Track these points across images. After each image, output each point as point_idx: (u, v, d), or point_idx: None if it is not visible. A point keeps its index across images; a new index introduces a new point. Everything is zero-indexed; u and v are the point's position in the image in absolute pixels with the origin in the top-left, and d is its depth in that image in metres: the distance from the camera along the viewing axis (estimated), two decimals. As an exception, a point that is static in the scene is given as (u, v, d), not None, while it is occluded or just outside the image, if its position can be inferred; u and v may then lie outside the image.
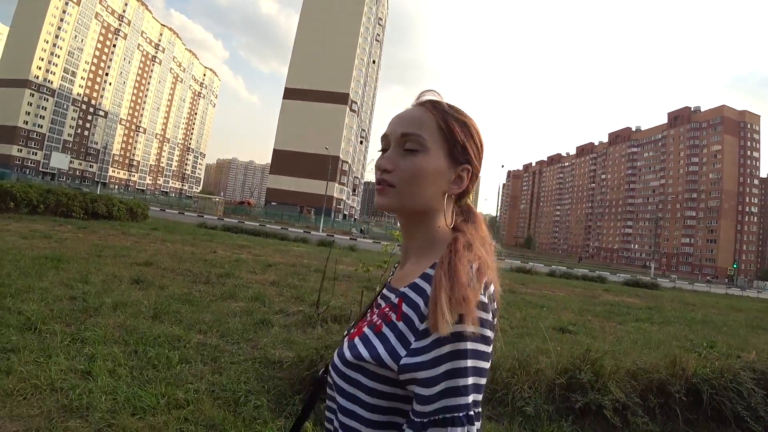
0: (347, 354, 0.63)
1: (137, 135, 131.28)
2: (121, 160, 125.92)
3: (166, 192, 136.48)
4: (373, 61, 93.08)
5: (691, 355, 3.51)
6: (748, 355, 3.94)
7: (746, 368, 3.27)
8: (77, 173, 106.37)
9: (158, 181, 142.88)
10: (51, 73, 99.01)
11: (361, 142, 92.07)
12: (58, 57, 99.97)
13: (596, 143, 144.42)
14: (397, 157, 0.66)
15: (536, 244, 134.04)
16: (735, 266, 70.61)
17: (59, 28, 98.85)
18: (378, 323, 0.64)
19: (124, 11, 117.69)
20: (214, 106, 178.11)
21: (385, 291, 0.75)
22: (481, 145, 0.71)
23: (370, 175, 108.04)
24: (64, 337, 3.00)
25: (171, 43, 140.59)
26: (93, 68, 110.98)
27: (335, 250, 17.12)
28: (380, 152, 0.70)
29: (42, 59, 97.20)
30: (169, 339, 3.19)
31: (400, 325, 0.61)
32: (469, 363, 0.57)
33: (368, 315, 0.74)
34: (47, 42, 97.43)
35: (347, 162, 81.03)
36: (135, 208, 16.31)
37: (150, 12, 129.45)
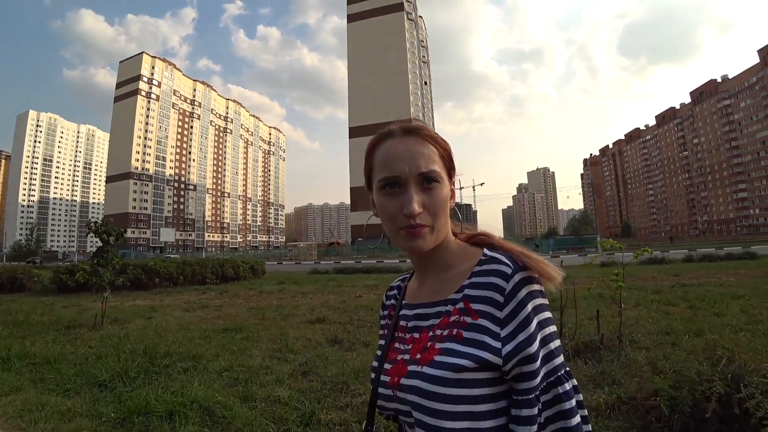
0: (440, 373, 0.61)
1: (223, 200, 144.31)
2: (213, 225, 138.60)
3: (256, 246, 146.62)
4: (425, 83, 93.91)
5: None
6: None
7: None
8: (179, 243, 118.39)
9: (247, 238, 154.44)
10: (146, 162, 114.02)
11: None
12: (150, 147, 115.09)
13: (677, 107, 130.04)
14: (419, 196, 0.66)
15: (635, 231, 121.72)
16: None
17: (147, 123, 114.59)
18: (455, 332, 0.64)
19: (194, 96, 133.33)
20: (283, 160, 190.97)
21: (410, 311, 0.76)
22: None
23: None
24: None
25: (237, 113, 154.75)
26: (178, 150, 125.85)
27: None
28: (388, 191, 0.68)
29: (138, 152, 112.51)
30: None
31: (481, 321, 0.62)
32: (552, 328, 0.64)
33: (398, 341, 0.75)
34: (139, 137, 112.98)
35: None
36: (255, 266, 17.07)
37: (215, 91, 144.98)
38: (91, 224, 6.85)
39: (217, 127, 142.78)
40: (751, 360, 2.73)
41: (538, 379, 0.60)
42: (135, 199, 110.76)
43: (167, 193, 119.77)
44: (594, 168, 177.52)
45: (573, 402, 0.61)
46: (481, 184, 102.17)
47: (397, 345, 0.74)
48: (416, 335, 0.71)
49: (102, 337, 5.72)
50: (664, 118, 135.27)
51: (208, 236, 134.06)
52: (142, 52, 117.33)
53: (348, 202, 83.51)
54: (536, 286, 0.64)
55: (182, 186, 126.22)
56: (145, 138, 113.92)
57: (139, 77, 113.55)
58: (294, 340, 5.37)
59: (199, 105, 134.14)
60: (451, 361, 0.61)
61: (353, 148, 78.55)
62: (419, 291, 0.76)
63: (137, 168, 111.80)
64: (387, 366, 0.72)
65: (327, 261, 38.25)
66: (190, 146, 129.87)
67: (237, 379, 3.67)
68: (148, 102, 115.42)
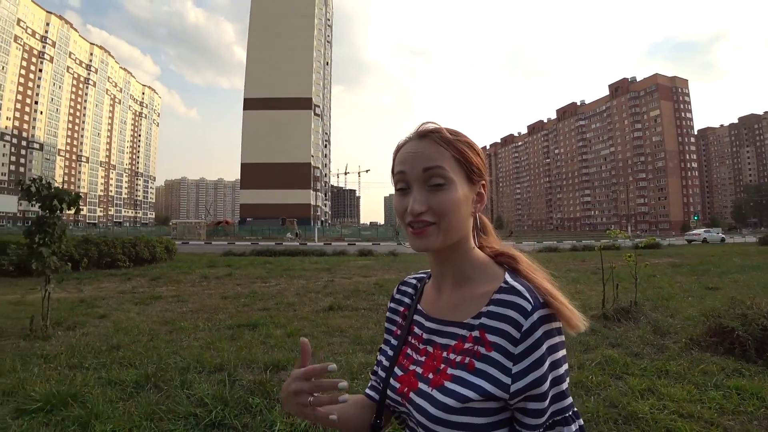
0: (448, 401, 0.62)
1: (79, 165, 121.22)
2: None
3: (120, 222, 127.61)
4: (327, 63, 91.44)
5: None
6: None
7: None
8: (18, 215, 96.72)
9: (109, 212, 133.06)
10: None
11: (326, 146, 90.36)
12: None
13: (545, 120, 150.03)
14: (425, 196, 0.66)
15: (506, 224, 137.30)
16: (696, 218, 75.97)
17: None
18: (467, 361, 0.64)
19: (46, 32, 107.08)
20: (157, 126, 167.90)
21: (425, 322, 0.74)
22: (483, 158, 0.73)
23: (335, 180, 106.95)
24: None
25: (104, 63, 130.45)
26: (19, 97, 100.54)
27: (379, 258, 16.21)
28: (399, 191, 0.69)
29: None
30: None
31: (494, 355, 0.62)
32: (564, 368, 0.63)
33: (411, 347, 0.75)
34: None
35: (318, 167, 79.14)
36: (169, 246, 14.62)
37: (76, 30, 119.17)
38: (29, 184, 4.84)
39: (75, 75, 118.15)
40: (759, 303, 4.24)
41: (545, 416, 0.61)
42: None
43: (1, 150, 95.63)
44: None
45: None
46: (367, 171, 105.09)
47: (409, 351, 0.74)
48: (430, 349, 0.71)
49: (72, 354, 3.85)
50: (534, 128, 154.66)
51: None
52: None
53: (229, 178, 77.38)
54: (554, 324, 0.63)
55: (23, 143, 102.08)
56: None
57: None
58: (368, 330, 4.55)
59: (53, 45, 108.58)
60: (459, 390, 0.62)
61: (248, 121, 72.31)
62: (436, 302, 0.75)
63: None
64: (398, 371, 0.73)
65: (219, 241, 35.65)
66: (37, 94, 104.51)
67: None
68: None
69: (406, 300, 0.83)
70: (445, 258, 0.71)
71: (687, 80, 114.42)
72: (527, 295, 0.63)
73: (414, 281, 0.85)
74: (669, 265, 13.01)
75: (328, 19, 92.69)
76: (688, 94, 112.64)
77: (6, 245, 9.82)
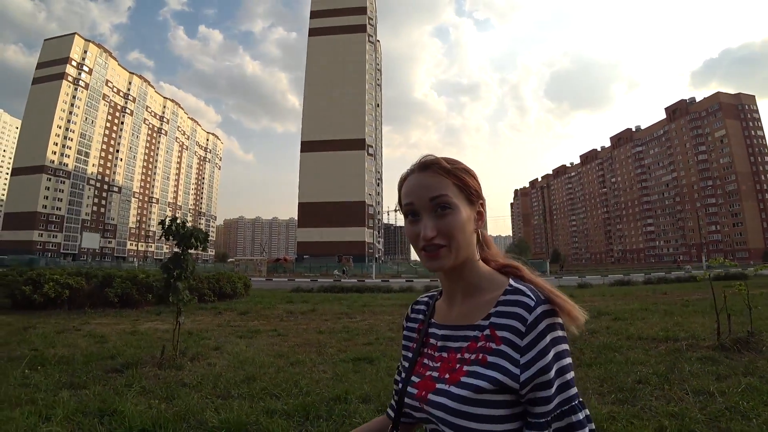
0: (464, 393, 0.67)
1: (150, 206, 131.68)
2: (137, 233, 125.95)
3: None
4: (377, 105, 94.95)
5: None
6: None
7: None
8: (97, 250, 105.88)
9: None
10: (65, 156, 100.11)
11: (378, 184, 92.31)
12: (71, 140, 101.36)
13: (599, 149, 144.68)
14: (434, 222, 0.73)
15: (564, 257, 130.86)
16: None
17: (70, 113, 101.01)
18: (480, 357, 0.69)
19: (128, 89, 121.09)
20: (219, 169, 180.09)
21: (439, 331, 0.81)
22: (479, 180, 0.81)
23: (386, 217, 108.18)
24: None
25: (174, 114, 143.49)
26: (104, 146, 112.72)
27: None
28: (410, 220, 0.76)
29: (56, 144, 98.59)
30: None
31: (503, 348, 0.67)
32: (568, 360, 0.68)
33: (427, 357, 0.80)
34: (60, 127, 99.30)
35: (371, 205, 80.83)
36: (247, 282, 15.35)
37: (152, 87, 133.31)
38: (169, 223, 5.37)
39: (151, 126, 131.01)
40: None
41: (552, 405, 0.64)
42: (47, 197, 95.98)
43: (87, 193, 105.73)
44: (524, 198, 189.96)
45: (586, 430, 0.65)
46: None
47: (425, 361, 0.79)
48: (445, 354, 0.76)
49: (214, 384, 4.12)
50: (587, 157, 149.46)
51: (131, 245, 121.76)
52: (74, 33, 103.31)
53: (283, 216, 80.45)
54: (557, 319, 0.68)
55: (105, 187, 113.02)
56: (67, 129, 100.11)
57: (67, 60, 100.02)
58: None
59: (134, 100, 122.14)
60: (473, 382, 0.67)
61: (305, 163, 75.86)
62: (449, 313, 0.81)
63: (53, 162, 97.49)
64: (414, 379, 0.78)
65: (278, 278, 36.74)
66: (119, 144, 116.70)
67: None
68: (75, 89, 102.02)
69: (420, 317, 0.90)
70: (455, 275, 0.78)
71: (753, 96, 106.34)
72: (530, 293, 0.70)
73: (426, 299, 0.92)
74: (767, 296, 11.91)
75: (378, 64, 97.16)
76: (756, 111, 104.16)
77: (112, 278, 10.80)
